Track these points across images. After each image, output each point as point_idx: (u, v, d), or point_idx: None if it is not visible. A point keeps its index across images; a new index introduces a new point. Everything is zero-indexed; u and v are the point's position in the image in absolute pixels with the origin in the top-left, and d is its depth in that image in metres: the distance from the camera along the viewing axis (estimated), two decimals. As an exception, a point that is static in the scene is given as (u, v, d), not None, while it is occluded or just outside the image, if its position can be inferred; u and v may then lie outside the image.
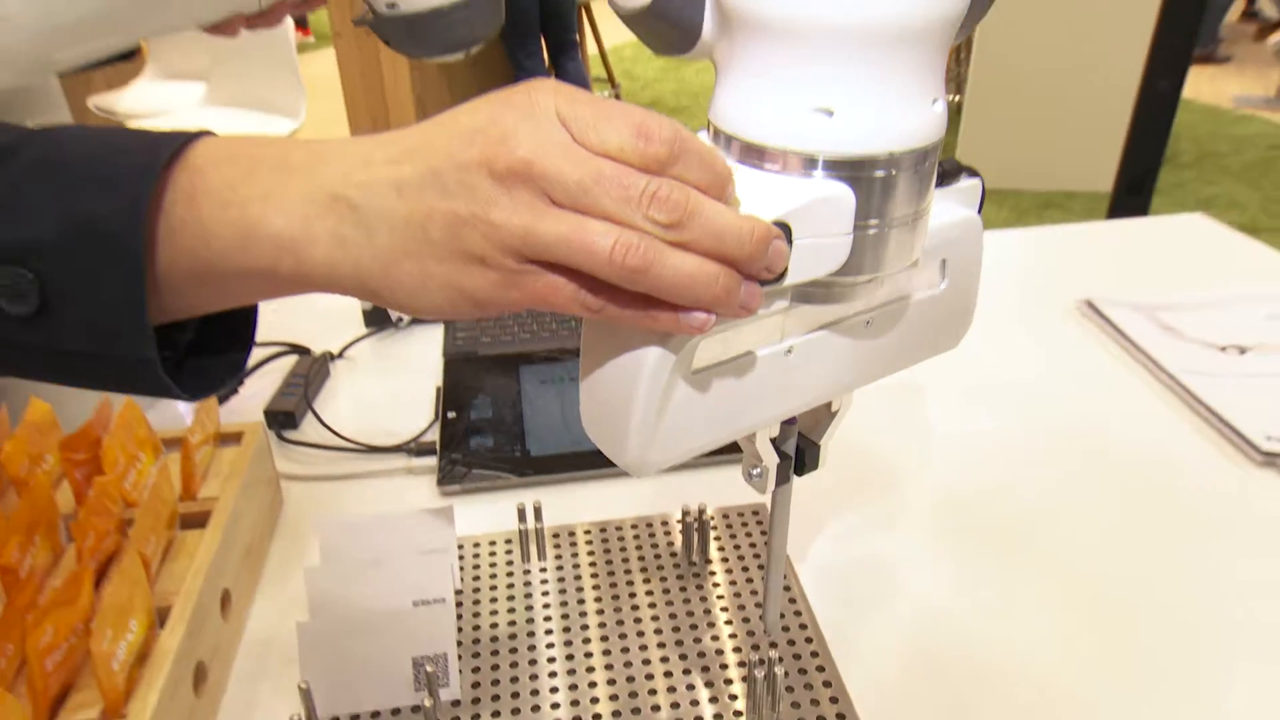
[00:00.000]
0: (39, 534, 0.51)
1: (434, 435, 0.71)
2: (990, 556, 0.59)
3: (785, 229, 0.30)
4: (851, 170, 0.31)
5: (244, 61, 2.29)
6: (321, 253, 0.30)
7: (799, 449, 0.44)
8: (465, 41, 0.63)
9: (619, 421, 0.34)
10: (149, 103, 2.25)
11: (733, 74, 0.33)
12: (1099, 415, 0.74)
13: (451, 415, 0.73)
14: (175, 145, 0.31)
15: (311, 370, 0.77)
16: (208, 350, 0.38)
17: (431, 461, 0.68)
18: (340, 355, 0.83)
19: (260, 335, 0.83)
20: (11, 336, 0.31)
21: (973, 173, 0.41)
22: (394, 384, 0.80)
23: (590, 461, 0.67)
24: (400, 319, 0.87)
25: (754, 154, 0.32)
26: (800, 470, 0.45)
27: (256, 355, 0.81)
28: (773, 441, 0.42)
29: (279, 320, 0.87)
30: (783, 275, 0.31)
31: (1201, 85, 4.75)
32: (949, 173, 0.40)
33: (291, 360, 0.80)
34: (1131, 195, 2.18)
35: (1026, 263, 1.01)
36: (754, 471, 0.43)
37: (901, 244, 0.34)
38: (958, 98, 3.58)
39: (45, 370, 0.34)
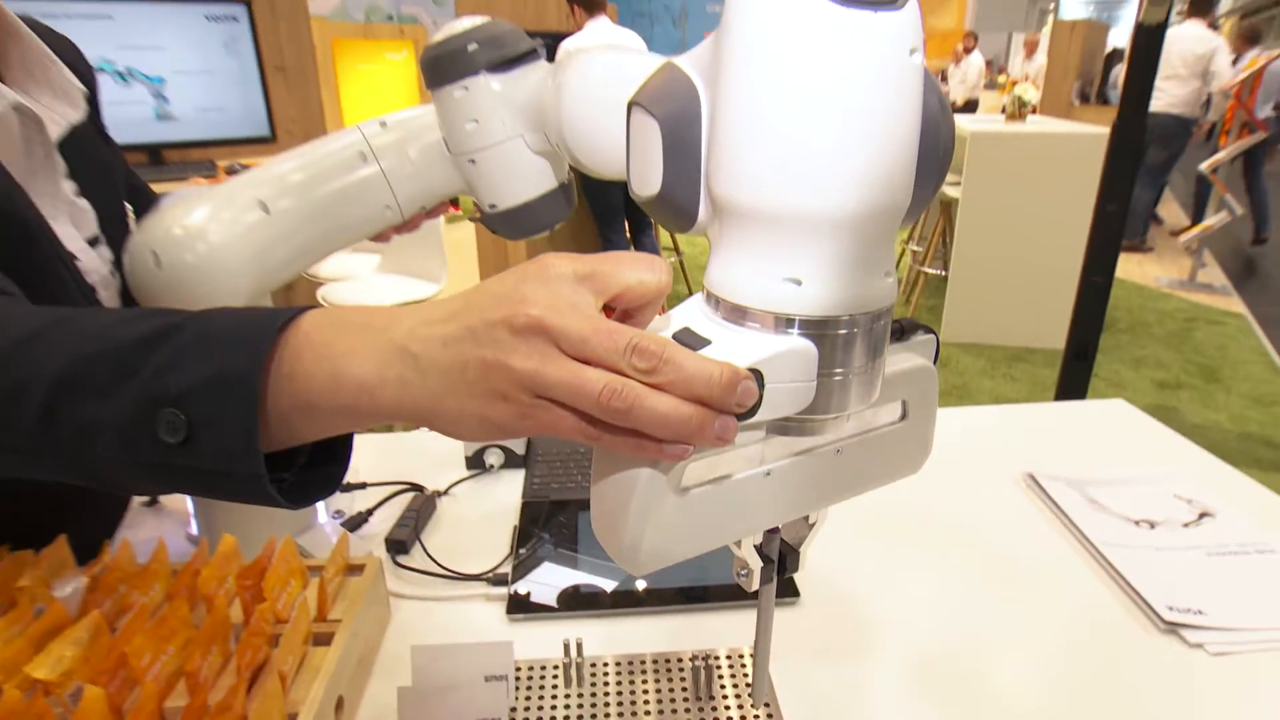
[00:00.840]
0: (215, 644, 0.53)
1: (508, 568, 0.71)
2: (948, 691, 0.57)
3: (758, 374, 0.29)
4: (817, 328, 0.31)
5: (406, 239, 2.43)
6: (390, 393, 0.31)
7: (781, 554, 0.42)
8: (546, 225, 0.66)
9: (618, 528, 0.33)
10: (339, 269, 2.40)
11: (721, 248, 0.33)
12: (1038, 576, 0.72)
13: (522, 552, 0.73)
14: (289, 316, 0.33)
15: (422, 506, 0.79)
16: (316, 471, 0.38)
17: (504, 591, 0.68)
18: (446, 493, 0.85)
19: (387, 475, 0.87)
20: (165, 459, 0.32)
21: (928, 330, 0.40)
22: (483, 520, 0.80)
23: (629, 600, 0.67)
24: (492, 464, 0.89)
25: (737, 313, 0.32)
26: (782, 572, 0.43)
27: (385, 491, 0.83)
28: (757, 548, 0.41)
29: (402, 462, 0.89)
30: (755, 411, 0.30)
31: (1131, 268, 4.82)
32: (907, 329, 0.39)
33: (409, 496, 0.82)
34: (1078, 360, 2.17)
35: (982, 437, 1.00)
36: (742, 572, 0.41)
37: (861, 388, 0.33)
38: (945, 272, 3.59)
39: (188, 485, 0.35)
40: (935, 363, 0.40)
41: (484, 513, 0.82)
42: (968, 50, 7.79)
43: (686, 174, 0.33)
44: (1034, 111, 3.73)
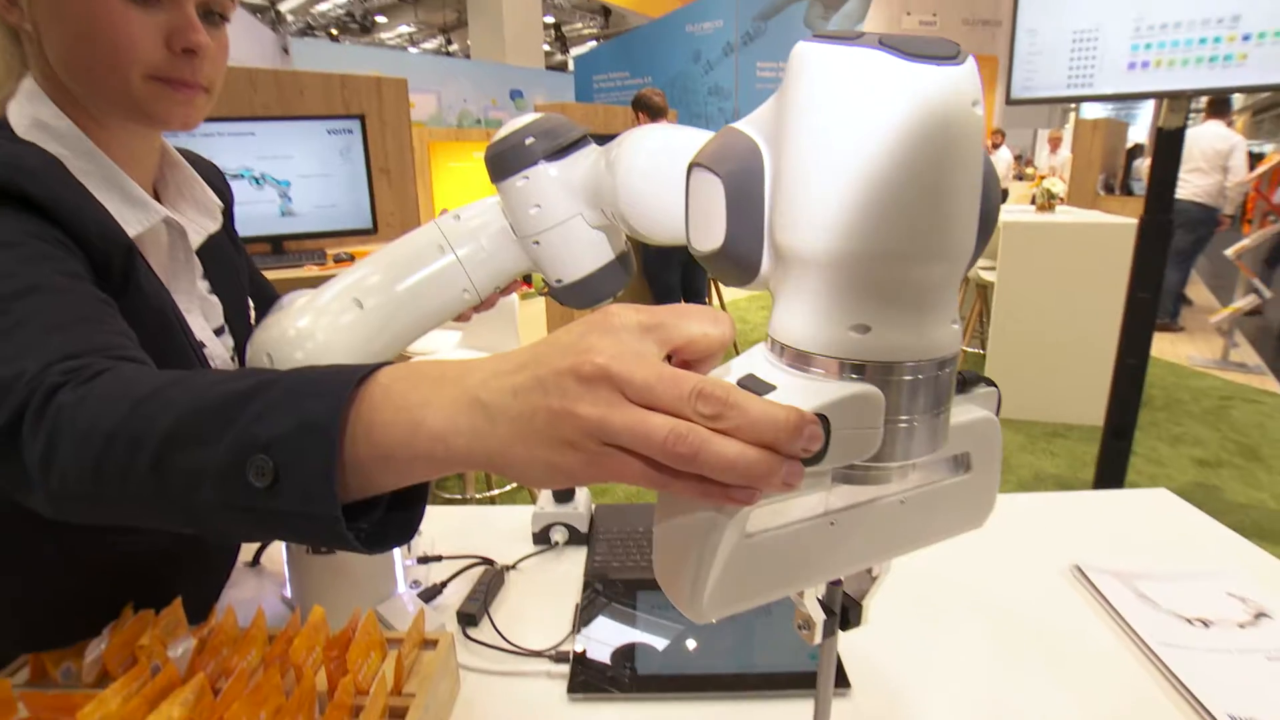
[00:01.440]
0: (302, 713, 0.53)
1: (570, 644, 0.69)
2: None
3: (824, 419, 0.27)
4: (883, 374, 0.29)
5: (484, 316, 2.50)
6: (463, 441, 0.29)
7: (844, 606, 0.39)
8: (609, 294, 0.66)
9: (681, 575, 0.31)
10: (425, 345, 2.48)
11: (786, 297, 0.31)
12: (1090, 673, 0.66)
13: (583, 629, 0.71)
14: (367, 370, 0.32)
15: (492, 580, 0.78)
16: (393, 518, 0.37)
17: (565, 669, 0.66)
18: (514, 567, 0.84)
19: (461, 548, 0.86)
20: (254, 502, 0.32)
21: (989, 383, 0.37)
22: (548, 595, 0.79)
23: (687, 684, 0.64)
24: (557, 541, 0.88)
25: (801, 359, 0.30)
26: (845, 626, 0.39)
27: (458, 564, 0.83)
28: (819, 600, 0.38)
29: (475, 536, 0.89)
30: (822, 457, 0.27)
31: (1164, 347, 4.57)
32: (969, 381, 0.36)
33: (480, 569, 0.82)
34: (1117, 439, 2.05)
35: (1027, 524, 0.94)
36: (802, 627, 0.38)
37: (927, 436, 0.31)
38: (982, 350, 3.49)
39: (277, 529, 0.34)
40: (998, 415, 0.37)
41: (549, 588, 0.80)
42: (996, 145, 7.75)
43: (749, 227, 0.31)
44: (1061, 202, 3.66)
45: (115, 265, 0.54)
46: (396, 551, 0.76)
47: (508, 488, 2.73)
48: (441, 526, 0.92)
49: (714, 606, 0.31)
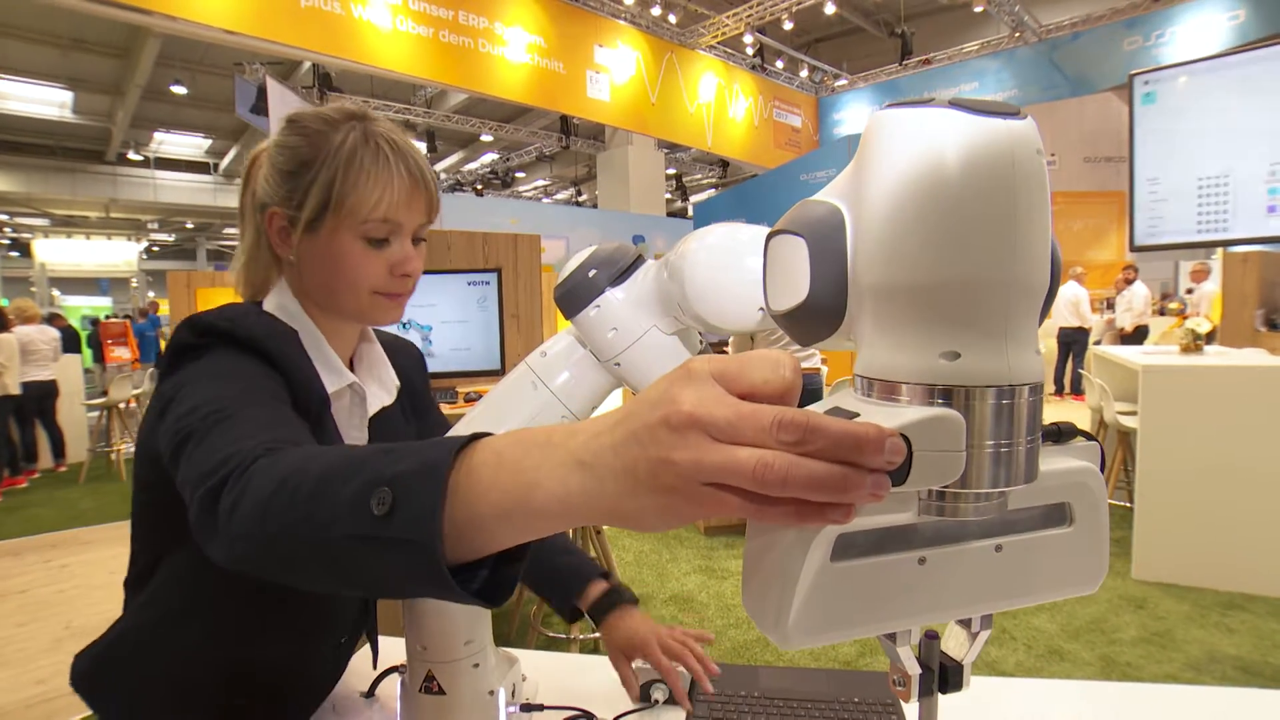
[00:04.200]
0: None
1: (665, 818, 0.67)
2: None
3: (905, 439, 0.28)
4: (968, 400, 0.30)
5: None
6: (576, 501, 0.31)
7: (943, 666, 0.38)
8: None
9: (768, 597, 0.31)
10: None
11: (872, 338, 0.33)
12: None
13: (679, 802, 0.69)
14: (481, 434, 0.36)
15: (590, 735, 0.77)
16: (498, 576, 0.39)
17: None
18: (612, 722, 0.83)
19: (564, 698, 0.87)
20: (372, 530, 0.35)
21: (1090, 436, 0.37)
22: (644, 756, 0.77)
23: None
24: (657, 699, 0.86)
25: (887, 389, 0.31)
26: (945, 688, 0.38)
27: (559, 715, 0.83)
28: (917, 658, 0.37)
29: (579, 686, 0.89)
30: (905, 477, 0.28)
31: None
32: (1065, 433, 0.36)
33: (580, 723, 0.81)
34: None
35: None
36: (898, 683, 0.37)
37: (1012, 465, 0.31)
38: (1129, 504, 3.14)
39: (386, 561, 0.36)
40: (1102, 470, 0.36)
41: (646, 748, 0.79)
42: (1129, 281, 7.34)
43: (833, 277, 0.34)
44: (1209, 340, 3.37)
45: (312, 411, 0.67)
46: (501, 698, 0.78)
47: (611, 626, 2.67)
48: (545, 674, 0.93)
49: (800, 632, 0.31)
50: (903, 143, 0.31)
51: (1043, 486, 0.33)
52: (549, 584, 0.89)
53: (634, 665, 0.88)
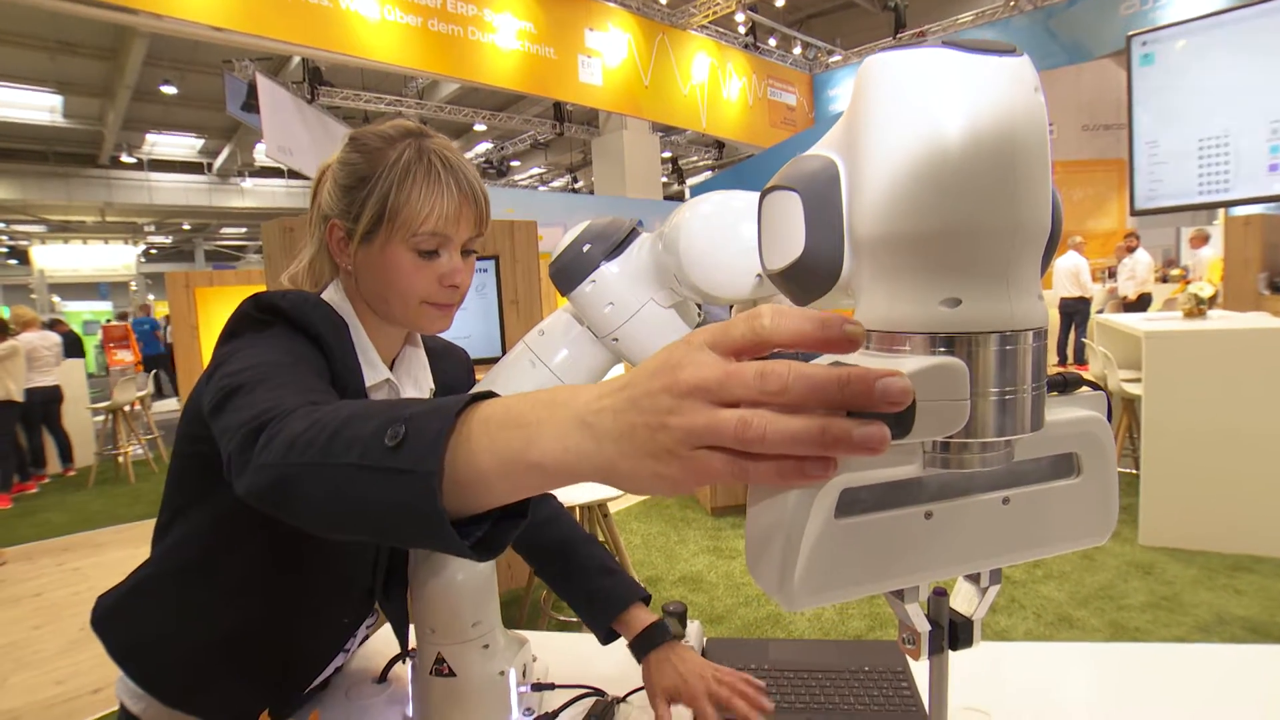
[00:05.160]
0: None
1: (678, 789, 0.67)
2: None
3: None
4: (969, 346, 0.29)
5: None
6: (573, 459, 0.33)
7: (952, 623, 0.37)
8: None
9: (770, 558, 0.31)
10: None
11: (871, 289, 0.32)
12: None
13: (692, 773, 0.69)
14: (490, 393, 0.39)
15: (602, 712, 0.78)
16: (499, 528, 0.41)
17: (674, 816, 0.64)
18: (624, 699, 0.83)
19: (575, 677, 0.87)
20: (382, 460, 0.38)
21: (1095, 386, 0.36)
22: (656, 730, 0.78)
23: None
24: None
25: (887, 340, 0.31)
26: (955, 645, 0.38)
27: (570, 693, 0.83)
28: (925, 614, 0.36)
29: (589, 665, 0.90)
30: (909, 428, 0.27)
31: None
32: (1070, 383, 0.35)
33: (591, 700, 0.82)
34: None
35: (1198, 687, 0.82)
36: (908, 641, 0.37)
37: (1017, 413, 0.30)
38: (1135, 470, 3.14)
39: (391, 497, 0.38)
40: (1110, 420, 0.36)
41: (657, 723, 0.79)
42: (1130, 249, 7.28)
43: (829, 232, 0.33)
44: (1213, 303, 3.34)
45: (347, 398, 0.68)
46: (512, 677, 0.78)
47: (621, 608, 2.69)
48: (556, 654, 0.94)
49: (805, 592, 0.30)
50: (896, 88, 0.30)
51: (1049, 437, 0.33)
52: (588, 604, 0.86)
53: (672, 708, 0.81)
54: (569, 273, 0.65)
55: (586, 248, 0.64)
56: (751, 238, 0.47)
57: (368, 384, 0.73)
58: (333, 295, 0.75)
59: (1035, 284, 0.31)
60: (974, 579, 0.39)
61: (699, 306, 0.68)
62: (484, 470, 0.35)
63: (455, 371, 0.92)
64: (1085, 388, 0.36)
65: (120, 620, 0.77)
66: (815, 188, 0.33)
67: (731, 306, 0.63)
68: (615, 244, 0.64)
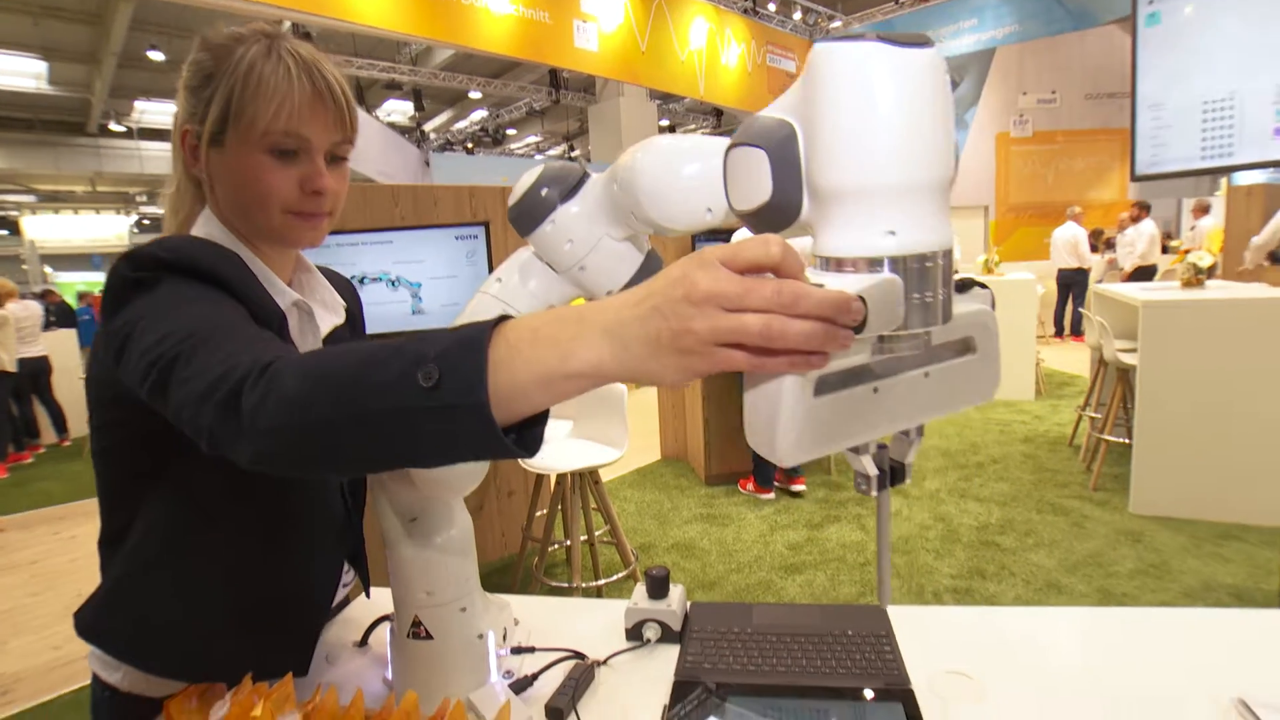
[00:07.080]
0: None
1: (655, 750, 0.67)
2: None
3: (862, 300, 0.36)
4: (902, 265, 0.40)
5: (594, 409, 2.57)
6: (607, 364, 0.38)
7: (891, 467, 0.51)
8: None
9: (769, 427, 0.41)
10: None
11: (826, 226, 0.42)
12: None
13: (670, 735, 0.69)
14: (506, 316, 0.42)
15: (582, 675, 0.77)
16: (529, 431, 0.44)
17: (650, 776, 0.64)
18: (604, 663, 0.83)
19: (555, 640, 0.87)
20: (422, 401, 0.40)
21: (983, 285, 0.48)
22: (637, 693, 0.77)
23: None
24: (649, 638, 0.86)
25: (837, 264, 0.41)
26: (894, 482, 0.51)
27: (550, 656, 0.83)
28: (874, 462, 0.49)
29: (569, 629, 0.89)
30: (864, 327, 0.36)
31: None
32: (966, 285, 0.47)
33: (571, 663, 0.81)
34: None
35: (1183, 646, 0.82)
36: (862, 484, 0.49)
37: (937, 310, 0.41)
38: (1128, 440, 3.15)
39: (438, 424, 0.40)
40: (993, 309, 0.49)
41: (639, 686, 0.79)
42: (1136, 219, 7.15)
43: (792, 182, 0.42)
44: (1211, 274, 3.32)
45: (271, 329, 0.66)
46: (491, 641, 0.77)
47: (615, 577, 2.71)
48: (539, 617, 0.93)
49: (793, 451, 0.41)
50: (846, 73, 0.39)
51: (954, 326, 0.43)
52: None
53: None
54: (529, 215, 0.66)
55: (545, 191, 0.65)
56: (701, 175, 0.52)
57: (280, 307, 0.69)
58: (206, 227, 0.70)
59: (945, 216, 0.41)
60: (905, 433, 0.51)
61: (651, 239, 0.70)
62: (525, 385, 0.39)
63: (350, 298, 0.88)
64: (977, 287, 0.48)
65: (113, 622, 0.73)
66: (779, 147, 0.42)
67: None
68: (571, 186, 0.65)
